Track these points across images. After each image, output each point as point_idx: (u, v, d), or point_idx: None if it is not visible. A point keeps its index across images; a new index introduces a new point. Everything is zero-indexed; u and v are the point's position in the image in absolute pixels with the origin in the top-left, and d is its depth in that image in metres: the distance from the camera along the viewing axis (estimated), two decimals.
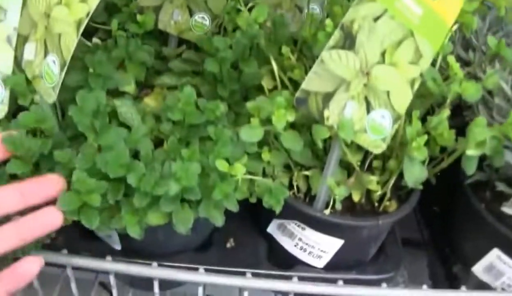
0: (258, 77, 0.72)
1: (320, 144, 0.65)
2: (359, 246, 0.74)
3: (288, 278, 0.71)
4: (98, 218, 0.57)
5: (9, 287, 0.50)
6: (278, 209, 0.64)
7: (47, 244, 0.68)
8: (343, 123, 0.61)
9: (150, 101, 0.73)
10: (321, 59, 0.60)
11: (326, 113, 0.62)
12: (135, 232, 0.60)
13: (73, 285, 0.72)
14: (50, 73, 0.60)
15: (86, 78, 0.65)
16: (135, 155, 0.60)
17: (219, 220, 0.64)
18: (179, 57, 0.76)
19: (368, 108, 0.61)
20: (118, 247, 0.72)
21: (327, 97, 0.61)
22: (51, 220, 0.53)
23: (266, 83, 0.72)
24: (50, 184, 0.55)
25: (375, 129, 0.62)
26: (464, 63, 0.84)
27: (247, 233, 0.78)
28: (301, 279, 0.71)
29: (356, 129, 0.61)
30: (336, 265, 0.73)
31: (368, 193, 0.71)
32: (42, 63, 0.60)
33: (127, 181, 0.57)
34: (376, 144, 0.62)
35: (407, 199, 0.71)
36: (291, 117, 0.63)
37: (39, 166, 0.60)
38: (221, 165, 0.60)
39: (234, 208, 0.64)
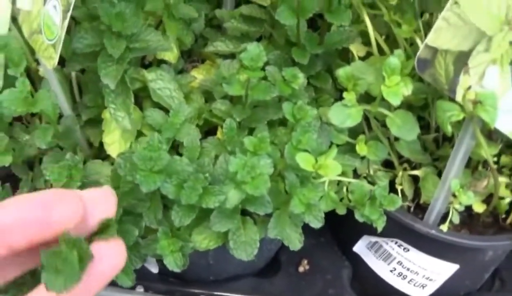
0: (350, 38, 0.51)
1: (448, 130, 0.43)
2: (475, 272, 0.61)
3: None
4: None
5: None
6: (381, 225, 0.47)
7: None
8: (485, 98, 0.43)
9: (199, 75, 0.56)
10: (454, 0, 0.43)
11: (464, 80, 0.40)
12: (174, 263, 0.40)
13: None
14: (50, 24, 0.40)
15: (102, 40, 0.44)
16: (175, 148, 0.40)
17: (295, 243, 0.44)
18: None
19: None
20: (154, 270, 0.58)
21: (461, 58, 0.43)
22: None
23: (356, 49, 0.53)
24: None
25: None
26: None
27: (325, 252, 0.64)
28: None
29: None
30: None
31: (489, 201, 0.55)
32: (41, 13, 0.40)
33: (162, 191, 0.37)
34: None
35: None
36: (407, 90, 0.42)
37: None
38: (305, 161, 0.39)
39: (318, 223, 0.43)
